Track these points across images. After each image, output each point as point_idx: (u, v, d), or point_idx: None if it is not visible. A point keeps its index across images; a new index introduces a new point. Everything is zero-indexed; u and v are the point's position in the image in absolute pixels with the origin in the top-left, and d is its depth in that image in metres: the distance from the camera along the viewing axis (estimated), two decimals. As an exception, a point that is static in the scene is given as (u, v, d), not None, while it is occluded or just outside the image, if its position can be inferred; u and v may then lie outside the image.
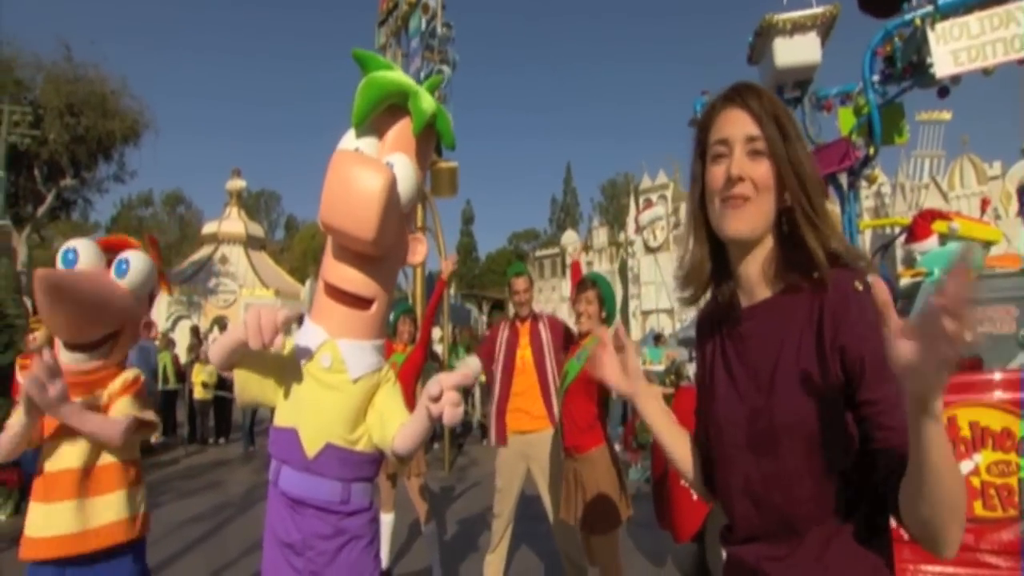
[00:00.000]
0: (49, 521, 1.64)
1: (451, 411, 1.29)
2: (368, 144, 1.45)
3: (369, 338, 1.49)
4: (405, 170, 1.45)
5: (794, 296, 0.89)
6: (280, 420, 1.48)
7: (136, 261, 1.77)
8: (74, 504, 1.66)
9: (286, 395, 1.47)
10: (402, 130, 1.49)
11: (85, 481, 1.69)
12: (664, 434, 1.10)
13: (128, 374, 1.81)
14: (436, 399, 1.29)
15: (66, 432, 1.67)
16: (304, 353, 1.45)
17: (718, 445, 0.99)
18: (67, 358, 1.71)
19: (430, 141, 1.59)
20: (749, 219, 0.89)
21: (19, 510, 5.48)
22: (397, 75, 1.44)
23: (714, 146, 0.93)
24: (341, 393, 1.44)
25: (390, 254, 1.48)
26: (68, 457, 1.68)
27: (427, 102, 1.46)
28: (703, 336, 1.08)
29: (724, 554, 1.02)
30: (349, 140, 1.46)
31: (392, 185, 1.33)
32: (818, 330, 0.86)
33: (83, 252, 1.72)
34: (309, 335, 1.46)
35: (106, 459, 1.73)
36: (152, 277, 1.85)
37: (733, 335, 0.98)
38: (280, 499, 1.45)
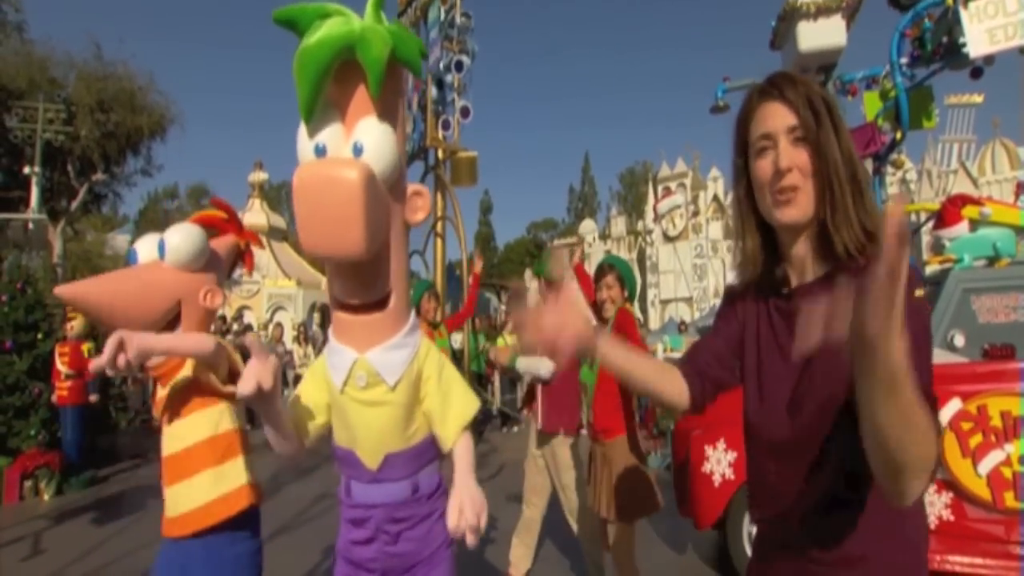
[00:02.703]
0: (169, 502, 1.74)
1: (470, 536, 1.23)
2: (329, 133, 1.23)
3: (397, 332, 1.40)
4: (378, 141, 1.24)
5: (842, 275, 0.91)
6: (338, 439, 1.50)
7: (172, 238, 1.75)
8: (170, 491, 1.74)
9: (336, 417, 1.49)
10: (362, 89, 1.23)
11: (174, 467, 1.75)
12: (638, 369, 1.08)
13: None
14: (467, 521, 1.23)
15: (165, 418, 1.76)
16: (338, 378, 1.41)
17: (757, 410, 1.01)
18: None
19: (397, 78, 1.33)
20: (800, 206, 0.93)
21: (61, 491, 5.69)
22: (332, 28, 1.14)
23: (758, 141, 0.96)
24: (385, 405, 1.41)
25: (389, 238, 1.33)
26: (166, 443, 1.77)
27: (376, 46, 1.18)
28: (736, 304, 1.10)
29: (753, 530, 1.05)
30: (305, 140, 1.24)
31: (364, 186, 1.14)
32: None
33: (141, 250, 1.80)
34: (338, 358, 1.41)
35: (187, 441, 1.74)
36: (197, 246, 1.78)
37: (783, 311, 1.01)
38: (350, 509, 1.49)
